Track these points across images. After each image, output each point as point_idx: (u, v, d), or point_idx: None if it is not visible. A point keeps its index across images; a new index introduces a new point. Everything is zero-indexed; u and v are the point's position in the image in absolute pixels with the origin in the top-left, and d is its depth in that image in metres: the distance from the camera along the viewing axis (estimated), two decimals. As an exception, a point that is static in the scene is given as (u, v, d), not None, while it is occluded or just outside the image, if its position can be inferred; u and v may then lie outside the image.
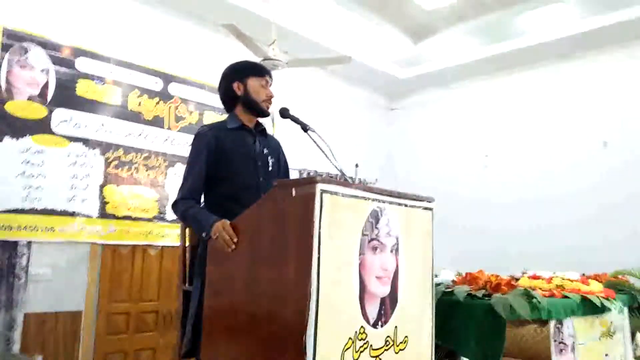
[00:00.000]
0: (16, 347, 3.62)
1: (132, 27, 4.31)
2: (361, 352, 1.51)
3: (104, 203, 4.06)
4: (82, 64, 4.01)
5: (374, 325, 1.57)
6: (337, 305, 1.45)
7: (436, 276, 3.10)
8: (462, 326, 1.99)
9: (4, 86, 3.66)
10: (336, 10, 4.39)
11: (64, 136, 3.91)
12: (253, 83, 2.08)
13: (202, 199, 2.02)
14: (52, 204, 3.83)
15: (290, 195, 1.46)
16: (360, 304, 1.52)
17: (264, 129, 2.15)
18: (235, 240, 1.61)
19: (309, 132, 1.96)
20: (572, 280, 2.55)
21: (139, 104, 4.29)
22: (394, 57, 5.39)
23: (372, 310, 1.57)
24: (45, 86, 3.85)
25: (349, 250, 1.50)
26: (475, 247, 5.24)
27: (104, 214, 4.07)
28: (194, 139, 2.03)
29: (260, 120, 2.17)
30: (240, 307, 1.56)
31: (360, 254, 1.53)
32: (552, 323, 2.16)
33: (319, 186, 1.41)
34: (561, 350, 2.18)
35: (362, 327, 1.52)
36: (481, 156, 5.69)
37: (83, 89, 4.01)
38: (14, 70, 3.72)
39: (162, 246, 4.34)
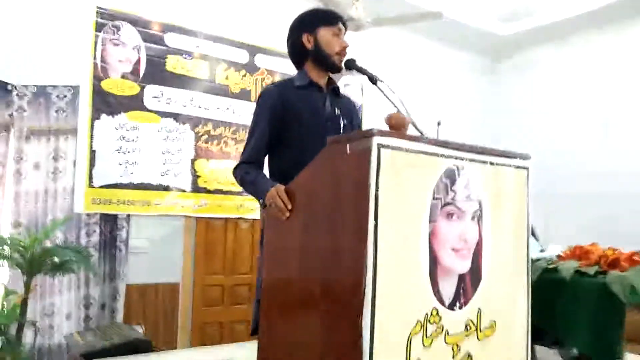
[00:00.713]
0: (119, 317, 3.80)
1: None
2: (434, 338, 1.27)
3: (195, 177, 4.12)
4: (171, 40, 4.06)
5: (451, 307, 1.31)
6: (401, 281, 1.21)
7: (542, 251, 2.72)
8: (569, 310, 1.65)
9: (99, 65, 3.80)
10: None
11: (156, 112, 3.99)
12: (324, 33, 1.84)
13: (267, 164, 1.86)
14: (148, 178, 3.95)
15: (344, 153, 1.24)
16: (432, 281, 1.27)
17: (337, 88, 1.93)
18: (289, 207, 1.43)
19: (378, 83, 1.71)
20: None
21: (226, 78, 4.27)
22: (494, 12, 4.84)
23: (448, 289, 1.31)
24: (137, 63, 3.94)
25: (416, 217, 1.25)
26: (590, 222, 4.63)
27: (196, 188, 4.13)
28: (258, 98, 1.87)
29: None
30: (294, 281, 1.39)
31: (431, 222, 1.28)
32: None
33: (376, 140, 1.17)
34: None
35: (434, 308, 1.27)
36: (600, 121, 4.98)
37: (172, 64, 4.06)
38: (107, 49, 3.84)
39: (254, 219, 4.33)
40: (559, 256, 1.94)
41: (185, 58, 4.12)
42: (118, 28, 3.88)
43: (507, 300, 1.45)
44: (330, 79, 1.91)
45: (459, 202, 1.35)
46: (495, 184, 1.43)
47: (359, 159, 1.19)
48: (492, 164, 1.43)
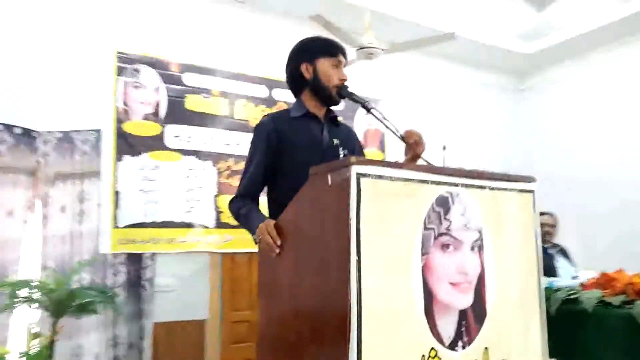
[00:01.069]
0: (147, 356, 3.79)
1: (231, 36, 4.36)
2: (435, 383, 1.17)
3: (218, 213, 4.12)
4: (189, 79, 4.13)
5: (452, 347, 1.21)
6: (393, 321, 1.13)
7: (575, 277, 2.55)
8: (593, 345, 1.51)
9: (121, 107, 3.90)
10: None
11: (177, 150, 4.05)
12: (323, 65, 1.80)
13: (267, 195, 1.81)
14: (171, 216, 3.98)
15: (326, 184, 1.19)
16: (428, 319, 1.18)
17: (335, 117, 1.88)
18: (278, 242, 1.37)
19: (372, 111, 1.66)
20: None
21: (245, 113, 4.30)
22: (515, 30, 4.74)
23: (447, 327, 1.21)
24: (157, 104, 4.03)
25: (406, 250, 1.17)
26: (626, 248, 4.34)
27: (220, 224, 4.12)
28: (254, 130, 1.84)
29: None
30: (286, 320, 1.32)
31: (423, 254, 1.19)
32: None
33: (354, 169, 1.11)
34: None
35: (432, 349, 1.17)
36: (632, 138, 4.73)
37: (192, 103, 4.13)
38: (129, 92, 3.94)
39: (278, 253, 4.28)
40: (582, 285, 1.79)
41: (204, 97, 4.19)
42: (138, 71, 3.99)
43: (519, 337, 1.33)
44: (328, 108, 1.87)
45: (455, 231, 1.26)
46: (496, 210, 1.34)
47: (339, 190, 1.13)
48: (491, 189, 1.34)
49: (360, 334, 1.07)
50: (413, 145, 1.58)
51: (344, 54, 1.87)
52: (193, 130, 4.10)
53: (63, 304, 3.20)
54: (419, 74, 5.05)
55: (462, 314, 1.25)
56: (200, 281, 4.15)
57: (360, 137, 2.71)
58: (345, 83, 1.77)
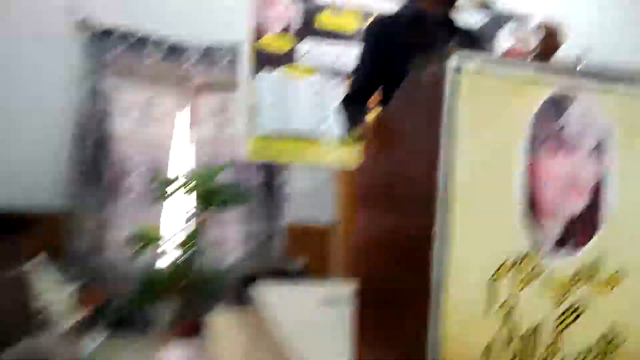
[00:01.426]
0: (277, 251, 4.13)
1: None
2: (527, 283, 1.12)
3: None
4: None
5: (554, 250, 1.14)
6: (486, 218, 1.09)
7: None
8: None
9: (257, 23, 4.04)
10: None
11: (309, 66, 4.14)
12: None
13: (381, 98, 1.80)
14: (302, 129, 4.16)
15: (421, 79, 1.14)
16: (529, 221, 1.12)
17: (452, 21, 1.76)
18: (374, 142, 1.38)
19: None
20: None
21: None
22: None
23: (551, 231, 1.14)
24: (290, 19, 4.10)
25: (506, 152, 1.10)
26: None
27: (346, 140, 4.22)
28: (364, 33, 1.81)
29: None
30: (375, 218, 1.35)
31: (528, 156, 1.11)
32: None
33: (452, 62, 1.04)
34: None
35: (532, 248, 1.12)
36: None
37: (323, 19, 4.13)
38: (266, 7, 4.06)
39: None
40: None
41: (334, 12, 4.17)
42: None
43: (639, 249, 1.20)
44: (446, 8, 1.74)
45: (569, 135, 1.14)
46: (632, 114, 1.18)
47: (433, 86, 1.08)
48: (626, 91, 1.18)
49: (447, 227, 1.05)
50: (547, 38, 1.43)
51: None
52: (324, 46, 4.14)
53: (209, 197, 3.60)
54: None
55: (572, 220, 1.16)
56: (326, 192, 4.33)
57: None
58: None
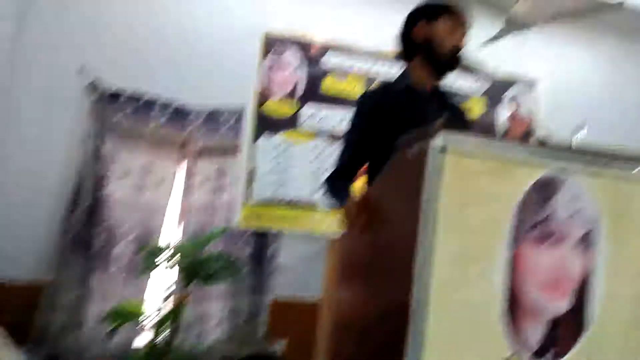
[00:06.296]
0: (263, 329, 3.93)
1: (372, 14, 4.31)
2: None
3: (345, 196, 4.14)
4: (329, 59, 4.20)
5: (538, 355, 1.05)
6: (463, 323, 1.00)
7: None
8: None
9: (262, 87, 4.08)
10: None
11: (310, 130, 4.14)
12: (443, 25, 1.67)
13: (367, 172, 1.75)
14: (298, 196, 4.10)
15: (406, 158, 1.09)
16: (508, 322, 1.03)
17: (443, 93, 1.75)
18: (358, 220, 1.31)
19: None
20: None
21: (379, 96, 4.25)
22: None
23: (533, 334, 1.05)
24: (296, 84, 4.15)
25: (489, 239, 1.03)
26: None
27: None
28: (356, 105, 1.79)
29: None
30: (357, 300, 1.26)
31: (512, 245, 1.04)
32: None
33: (437, 141, 1.00)
34: None
35: (513, 356, 1.02)
36: None
37: (328, 84, 4.19)
38: (271, 72, 4.12)
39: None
40: None
41: (339, 77, 4.23)
42: (282, 52, 4.15)
43: (629, 354, 1.10)
44: (437, 82, 1.74)
45: (558, 222, 1.08)
46: (621, 200, 1.12)
47: (417, 165, 1.03)
48: (616, 176, 1.12)
49: (422, 329, 0.97)
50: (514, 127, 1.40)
51: (468, 22, 1.72)
52: (327, 111, 4.16)
53: (193, 271, 3.45)
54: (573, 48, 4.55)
55: (555, 321, 1.07)
56: (320, 262, 4.21)
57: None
58: (463, 51, 1.63)
